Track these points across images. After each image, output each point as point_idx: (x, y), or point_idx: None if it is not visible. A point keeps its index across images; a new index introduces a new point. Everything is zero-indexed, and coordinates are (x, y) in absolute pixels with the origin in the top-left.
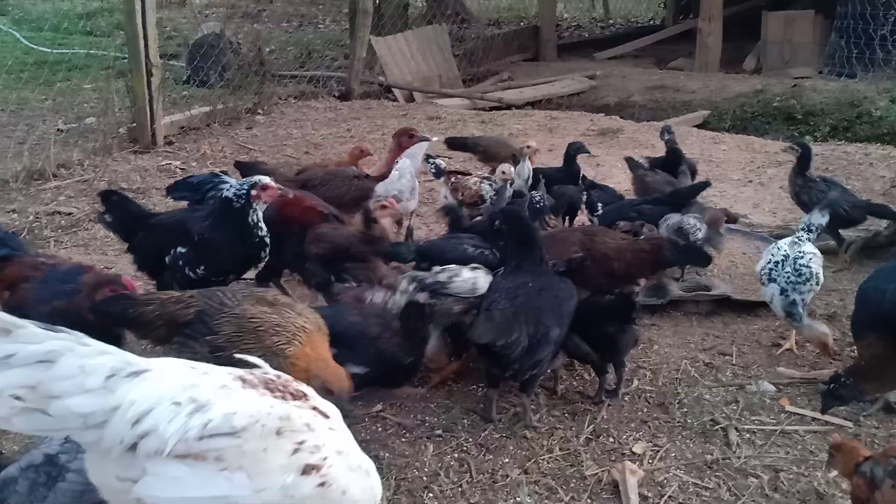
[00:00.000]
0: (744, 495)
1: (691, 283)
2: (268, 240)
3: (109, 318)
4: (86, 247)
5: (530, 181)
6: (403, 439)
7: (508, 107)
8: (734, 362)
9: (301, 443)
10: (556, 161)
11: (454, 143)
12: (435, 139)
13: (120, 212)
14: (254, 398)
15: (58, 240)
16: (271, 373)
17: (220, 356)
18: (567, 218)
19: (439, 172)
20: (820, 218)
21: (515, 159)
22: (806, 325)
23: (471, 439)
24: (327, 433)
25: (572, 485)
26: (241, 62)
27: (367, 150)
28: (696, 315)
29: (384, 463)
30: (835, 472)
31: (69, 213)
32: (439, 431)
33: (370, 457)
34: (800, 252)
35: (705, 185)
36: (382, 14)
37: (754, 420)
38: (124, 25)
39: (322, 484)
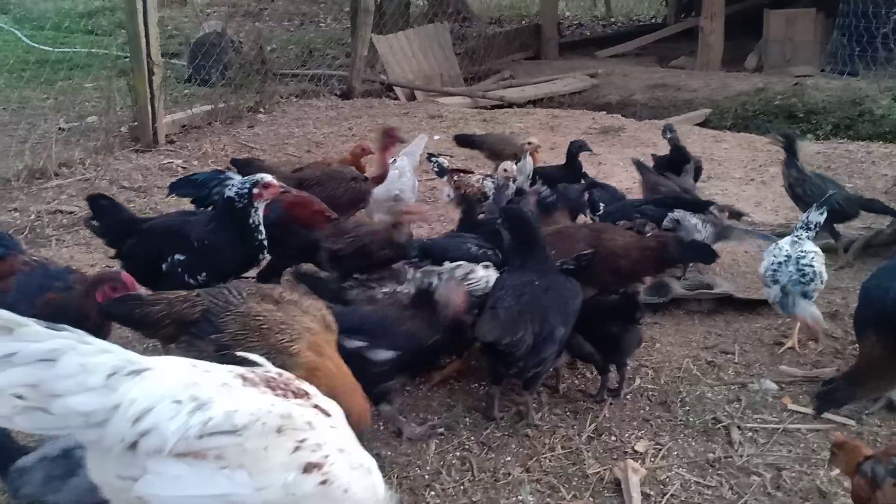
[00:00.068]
0: (746, 494)
1: (693, 281)
2: (266, 242)
3: (116, 319)
4: (87, 245)
5: (530, 178)
6: (405, 437)
7: (510, 105)
8: (736, 361)
9: (302, 441)
10: (558, 160)
11: (462, 141)
12: (437, 137)
13: (109, 217)
14: (255, 396)
15: (59, 238)
16: (272, 371)
17: (226, 354)
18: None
19: (442, 171)
20: (818, 216)
21: (518, 157)
22: (800, 306)
23: (473, 438)
24: (329, 431)
25: (574, 483)
26: (243, 61)
27: (368, 148)
28: (698, 313)
29: (386, 461)
30: (837, 471)
31: (71, 212)
32: (441, 430)
33: (371, 455)
34: (801, 251)
35: (709, 204)
36: (384, 12)
37: (756, 418)
38: (126, 24)
39: (323, 482)
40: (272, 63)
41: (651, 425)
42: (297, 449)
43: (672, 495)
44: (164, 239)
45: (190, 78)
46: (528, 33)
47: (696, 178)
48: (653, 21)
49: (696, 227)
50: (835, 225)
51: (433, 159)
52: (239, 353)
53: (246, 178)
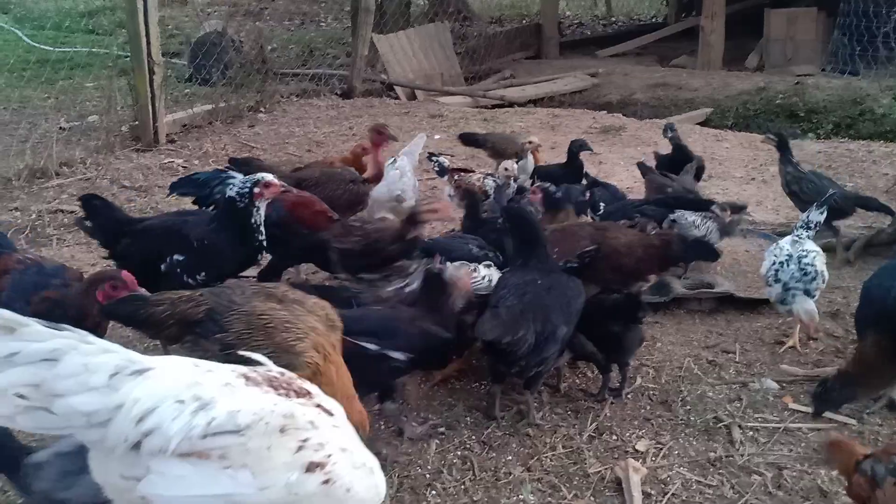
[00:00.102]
0: (747, 493)
1: (694, 280)
2: (265, 242)
3: (120, 319)
4: (88, 245)
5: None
6: (406, 437)
7: (511, 105)
8: (737, 360)
9: (305, 440)
10: (559, 159)
11: (467, 139)
12: (437, 137)
13: (102, 217)
14: (257, 396)
15: (60, 238)
16: (275, 370)
17: (231, 354)
18: None
19: (442, 170)
20: (818, 215)
21: (519, 156)
22: (797, 303)
23: (474, 437)
24: (331, 431)
25: (575, 482)
26: (244, 60)
27: (369, 148)
28: (699, 313)
29: (387, 460)
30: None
31: (72, 212)
32: (442, 429)
33: (373, 454)
34: (803, 251)
35: (710, 203)
36: (384, 12)
37: (757, 418)
38: (126, 24)
39: (326, 481)
40: (273, 62)
41: (652, 424)
42: (300, 448)
43: (673, 494)
44: (163, 239)
45: (191, 77)
46: (529, 33)
47: (698, 178)
48: (653, 20)
49: (695, 223)
50: (833, 222)
51: (434, 159)
52: (241, 353)
53: (247, 177)
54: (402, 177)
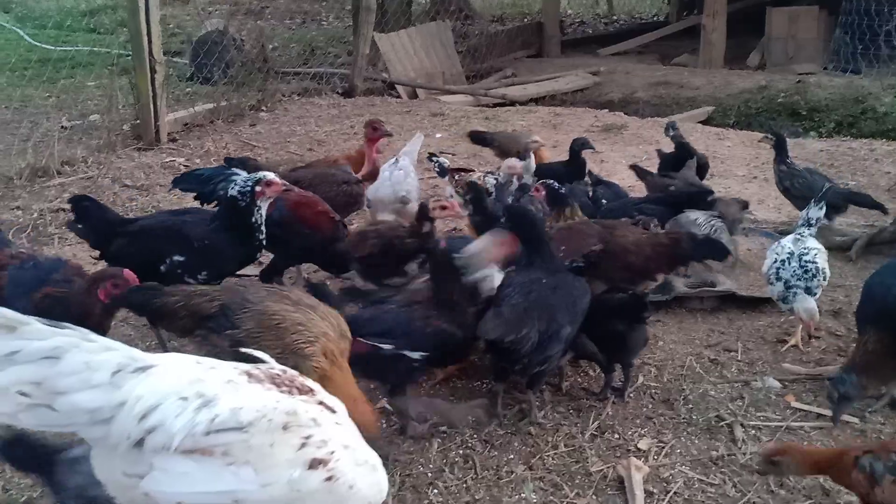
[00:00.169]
0: (749, 491)
1: (696, 279)
2: (264, 241)
3: (134, 308)
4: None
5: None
6: (408, 435)
7: (512, 103)
8: (739, 359)
9: (308, 437)
10: (560, 158)
11: (475, 138)
12: (438, 136)
13: (94, 219)
14: (260, 393)
15: (62, 237)
16: (277, 367)
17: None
18: None
19: (443, 171)
20: (818, 211)
21: (521, 155)
22: (798, 301)
23: (475, 436)
24: (334, 428)
25: (577, 481)
26: (245, 59)
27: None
28: (701, 311)
29: (389, 459)
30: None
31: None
32: (444, 428)
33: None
34: (804, 248)
35: (709, 193)
36: (386, 11)
37: (760, 416)
38: (128, 22)
39: (329, 478)
40: (274, 61)
41: (654, 423)
42: (302, 445)
43: (675, 493)
44: (163, 240)
45: (192, 76)
46: (531, 31)
47: (701, 176)
48: (655, 19)
49: (696, 220)
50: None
51: (434, 159)
52: (244, 350)
53: (248, 175)
54: (406, 177)
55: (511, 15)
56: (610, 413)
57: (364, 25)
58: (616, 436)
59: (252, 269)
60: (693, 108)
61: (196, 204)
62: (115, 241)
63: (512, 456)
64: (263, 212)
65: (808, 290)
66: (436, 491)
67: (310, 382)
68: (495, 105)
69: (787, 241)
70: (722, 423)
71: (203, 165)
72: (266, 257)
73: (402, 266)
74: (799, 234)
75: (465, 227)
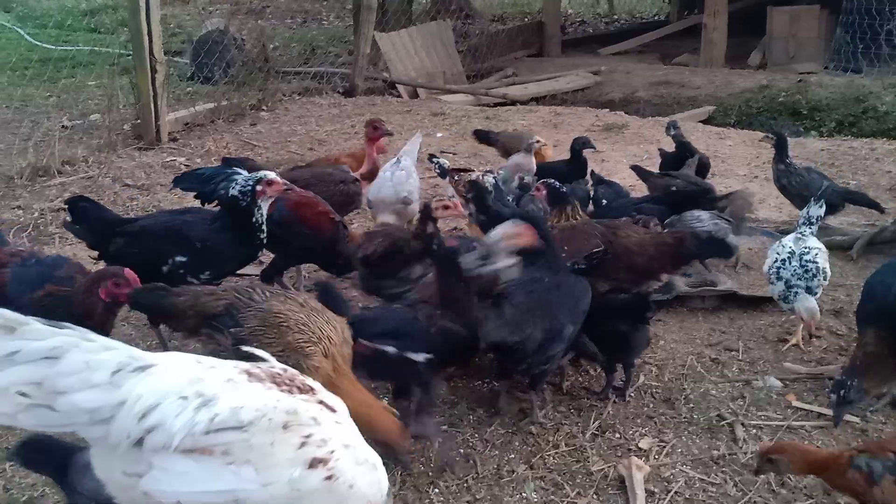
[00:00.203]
0: (750, 491)
1: (697, 278)
2: (265, 241)
3: (142, 308)
4: None
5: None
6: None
7: (513, 103)
8: (740, 358)
9: (308, 436)
10: (561, 157)
11: (481, 136)
12: (439, 135)
13: (91, 219)
14: (260, 392)
15: (62, 236)
16: (277, 366)
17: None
18: None
19: (443, 172)
20: (818, 209)
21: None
22: (798, 300)
23: (476, 435)
24: (334, 427)
25: (578, 480)
26: (245, 58)
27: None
28: (702, 311)
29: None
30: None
31: None
32: (445, 427)
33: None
34: (805, 248)
35: (709, 190)
36: (386, 10)
37: (761, 416)
38: (128, 22)
39: (329, 477)
40: (275, 61)
41: (655, 422)
42: (302, 444)
43: (676, 492)
44: (164, 240)
45: (193, 76)
46: (531, 31)
47: (703, 176)
48: (656, 18)
49: (699, 218)
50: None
51: (434, 160)
52: (245, 349)
53: (249, 175)
54: (408, 178)
55: (512, 14)
56: (611, 412)
57: (365, 25)
58: (617, 435)
59: (252, 269)
60: (694, 107)
61: (197, 203)
62: (114, 241)
63: (513, 455)
64: (264, 211)
65: (809, 290)
66: (437, 490)
67: (310, 381)
68: (496, 104)
69: (788, 241)
70: (723, 423)
71: (204, 165)
72: (266, 257)
73: (407, 267)
74: (800, 233)
75: (466, 226)
